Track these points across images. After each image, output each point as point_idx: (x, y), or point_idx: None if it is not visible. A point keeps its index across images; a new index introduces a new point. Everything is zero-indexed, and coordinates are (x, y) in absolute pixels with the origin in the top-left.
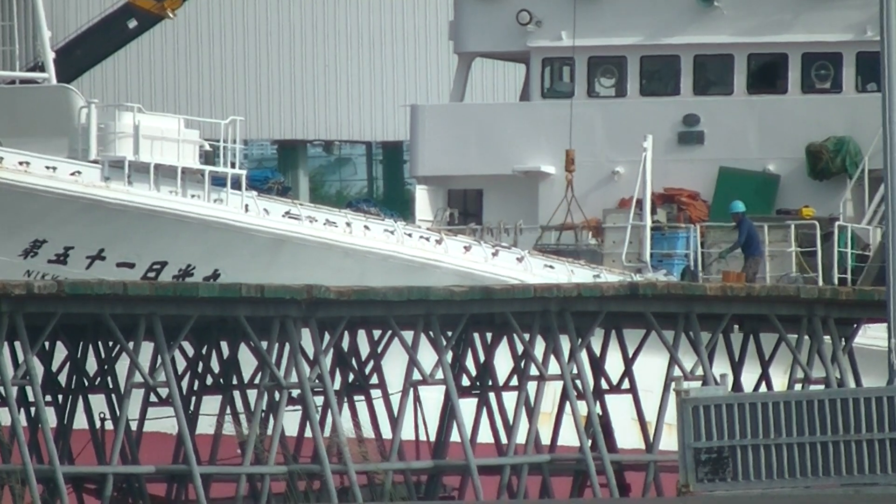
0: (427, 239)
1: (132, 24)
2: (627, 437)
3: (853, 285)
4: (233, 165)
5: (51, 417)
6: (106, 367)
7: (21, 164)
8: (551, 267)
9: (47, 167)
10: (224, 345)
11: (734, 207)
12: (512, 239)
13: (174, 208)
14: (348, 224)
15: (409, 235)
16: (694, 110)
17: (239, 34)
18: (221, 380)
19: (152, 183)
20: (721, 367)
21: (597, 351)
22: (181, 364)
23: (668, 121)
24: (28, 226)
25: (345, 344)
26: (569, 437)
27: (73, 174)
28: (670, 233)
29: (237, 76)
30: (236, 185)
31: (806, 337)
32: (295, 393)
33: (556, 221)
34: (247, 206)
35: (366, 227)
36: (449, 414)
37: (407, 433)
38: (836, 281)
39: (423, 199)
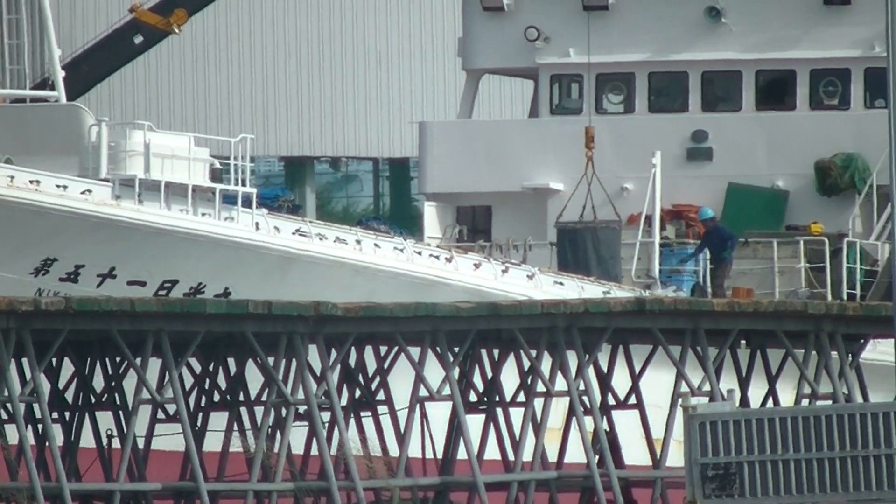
0: (437, 257)
1: (138, 39)
2: (634, 453)
3: (862, 301)
4: (243, 183)
5: (58, 434)
6: (113, 383)
7: (32, 182)
8: (561, 283)
9: (58, 185)
10: (231, 361)
11: (703, 214)
12: (521, 256)
13: (185, 226)
14: (358, 242)
15: (419, 253)
16: (702, 126)
17: (246, 51)
18: (229, 396)
19: (163, 201)
20: (728, 382)
21: (604, 367)
22: (188, 380)
23: (676, 137)
24: (39, 244)
25: (352, 360)
26: (576, 453)
27: (83, 192)
28: (679, 249)
29: (244, 92)
30: (247, 203)
31: (813, 352)
32: (302, 409)
33: (577, 198)
34: (257, 224)
35: (376, 245)
36: (456, 430)
37: (414, 449)
38: (844, 297)
39: (431, 216)
